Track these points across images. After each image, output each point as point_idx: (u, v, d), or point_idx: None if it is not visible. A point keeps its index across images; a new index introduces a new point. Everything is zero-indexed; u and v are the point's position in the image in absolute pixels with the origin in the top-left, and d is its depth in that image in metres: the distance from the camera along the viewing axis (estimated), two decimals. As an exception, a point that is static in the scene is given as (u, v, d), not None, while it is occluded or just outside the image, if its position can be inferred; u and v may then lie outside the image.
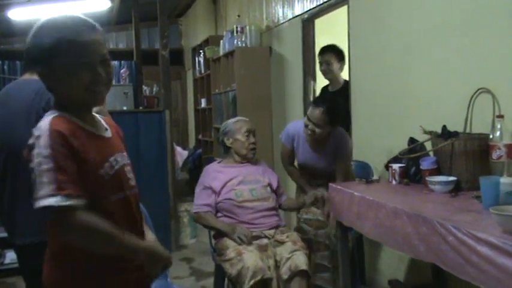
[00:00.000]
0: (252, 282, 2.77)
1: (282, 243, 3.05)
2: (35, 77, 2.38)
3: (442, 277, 2.90)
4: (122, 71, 7.27)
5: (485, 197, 2.03)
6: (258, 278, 2.79)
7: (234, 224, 3.11)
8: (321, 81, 4.73)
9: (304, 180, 3.51)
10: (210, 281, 3.64)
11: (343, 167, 3.36)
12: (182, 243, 5.34)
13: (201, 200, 3.27)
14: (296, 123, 3.54)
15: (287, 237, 3.09)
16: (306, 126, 3.25)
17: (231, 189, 3.22)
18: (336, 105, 3.28)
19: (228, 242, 3.04)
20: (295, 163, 3.65)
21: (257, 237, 3.09)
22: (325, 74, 4.31)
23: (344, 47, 4.17)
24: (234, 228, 3.07)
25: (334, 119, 3.23)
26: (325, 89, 4.49)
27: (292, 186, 4.92)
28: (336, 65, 4.24)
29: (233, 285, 2.90)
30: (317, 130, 3.20)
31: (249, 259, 2.83)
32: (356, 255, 3.47)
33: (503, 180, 2.01)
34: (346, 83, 4.16)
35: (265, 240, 3.07)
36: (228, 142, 3.39)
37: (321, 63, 4.31)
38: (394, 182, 2.78)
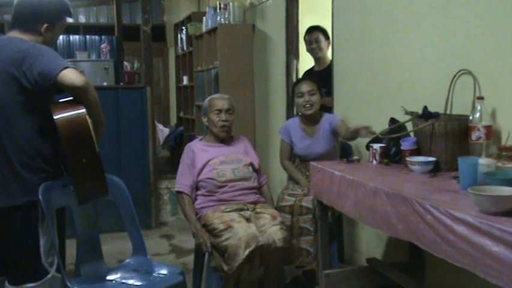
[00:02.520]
0: (247, 252, 2.77)
1: (260, 214, 3.07)
2: (26, 36, 2.34)
3: (419, 255, 2.94)
4: (102, 46, 7.16)
5: (464, 178, 2.05)
6: (253, 246, 2.79)
7: (200, 229, 3.05)
8: (304, 60, 4.72)
9: (299, 173, 3.56)
10: (190, 258, 3.65)
11: (343, 125, 3.38)
12: (162, 220, 5.34)
13: (185, 179, 3.26)
14: (293, 119, 3.74)
15: (265, 210, 3.11)
16: (302, 104, 3.45)
17: (213, 169, 3.21)
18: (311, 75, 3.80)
19: (211, 216, 3.05)
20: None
21: (241, 209, 3.09)
22: (315, 52, 4.31)
23: (328, 26, 4.17)
24: (198, 234, 3.03)
25: (319, 84, 3.53)
26: (309, 71, 4.48)
27: (276, 177, 4.93)
28: (324, 43, 4.27)
29: (221, 255, 2.89)
30: (313, 98, 3.45)
31: (240, 230, 2.83)
32: (335, 233, 3.50)
33: (482, 161, 2.03)
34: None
35: (248, 212, 3.08)
36: (204, 121, 3.39)
37: (310, 42, 4.31)
38: (374, 162, 2.80)
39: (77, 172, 2.22)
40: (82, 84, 2.19)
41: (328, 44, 4.27)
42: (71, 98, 2.28)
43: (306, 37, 4.35)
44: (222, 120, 3.30)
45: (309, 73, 4.41)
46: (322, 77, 4.02)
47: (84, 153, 2.19)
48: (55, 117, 2.19)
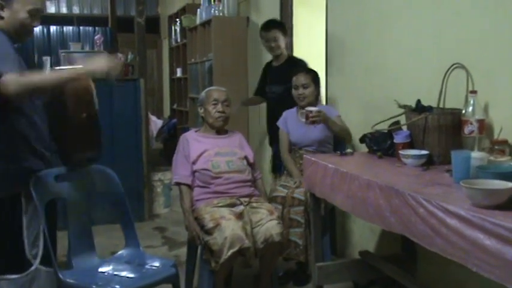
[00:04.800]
0: (230, 252, 2.76)
1: (257, 209, 3.06)
2: None
3: (411, 248, 2.96)
4: (96, 37, 7.12)
5: (456, 171, 2.06)
6: (236, 248, 2.78)
7: (193, 222, 3.05)
8: (298, 53, 4.70)
9: (294, 166, 3.56)
10: (183, 250, 3.65)
11: (340, 122, 3.50)
12: (155, 213, 5.33)
13: (183, 169, 3.24)
14: (290, 110, 3.77)
15: (262, 205, 3.11)
16: (297, 96, 3.57)
17: (208, 160, 3.20)
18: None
19: (203, 210, 3.04)
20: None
21: (233, 205, 3.09)
22: (274, 51, 4.11)
23: (321, 20, 4.14)
24: (191, 226, 3.03)
25: (316, 76, 3.62)
26: (269, 64, 4.36)
27: (269, 170, 4.93)
28: (282, 40, 4.09)
29: (210, 252, 2.89)
30: (306, 92, 3.54)
31: (227, 229, 2.82)
32: (328, 226, 3.51)
33: (474, 154, 2.04)
34: (289, 58, 4.12)
35: (241, 207, 3.07)
36: (200, 112, 3.39)
37: (267, 41, 4.10)
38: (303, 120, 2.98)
39: (75, 127, 2.27)
40: (14, 92, 2.05)
41: (286, 39, 4.15)
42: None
43: (263, 34, 4.13)
44: (219, 112, 3.31)
45: (269, 67, 4.31)
46: (280, 72, 3.98)
47: (85, 108, 2.29)
48: None
